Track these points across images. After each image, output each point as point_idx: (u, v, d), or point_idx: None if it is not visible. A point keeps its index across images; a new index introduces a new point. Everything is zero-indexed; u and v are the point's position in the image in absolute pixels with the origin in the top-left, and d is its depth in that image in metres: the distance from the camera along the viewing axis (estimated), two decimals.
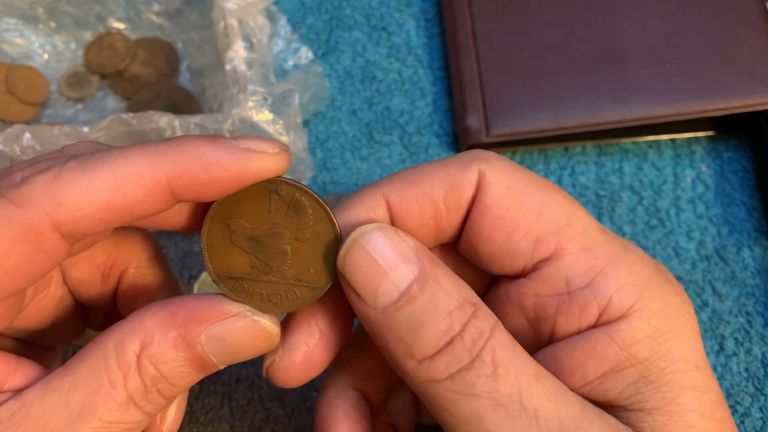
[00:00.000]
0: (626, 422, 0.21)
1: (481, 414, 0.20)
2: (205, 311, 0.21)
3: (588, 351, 0.21)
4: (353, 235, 0.21)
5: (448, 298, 0.21)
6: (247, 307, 0.22)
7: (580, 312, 0.22)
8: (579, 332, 0.22)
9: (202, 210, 0.23)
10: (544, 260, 0.22)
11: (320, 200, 0.22)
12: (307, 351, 0.23)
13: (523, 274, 0.23)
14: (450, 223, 0.23)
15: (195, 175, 0.20)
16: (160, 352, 0.21)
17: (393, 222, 0.23)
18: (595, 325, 0.22)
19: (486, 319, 0.21)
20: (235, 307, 0.21)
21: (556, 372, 0.22)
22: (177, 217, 0.23)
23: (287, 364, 0.23)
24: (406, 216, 0.23)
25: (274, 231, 0.22)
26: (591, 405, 0.21)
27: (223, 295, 0.22)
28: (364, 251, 0.21)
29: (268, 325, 0.22)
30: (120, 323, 0.21)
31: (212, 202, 0.22)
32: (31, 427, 0.20)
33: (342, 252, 0.21)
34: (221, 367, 0.22)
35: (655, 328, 0.21)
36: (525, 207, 0.22)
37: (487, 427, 0.20)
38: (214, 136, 0.20)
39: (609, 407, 0.21)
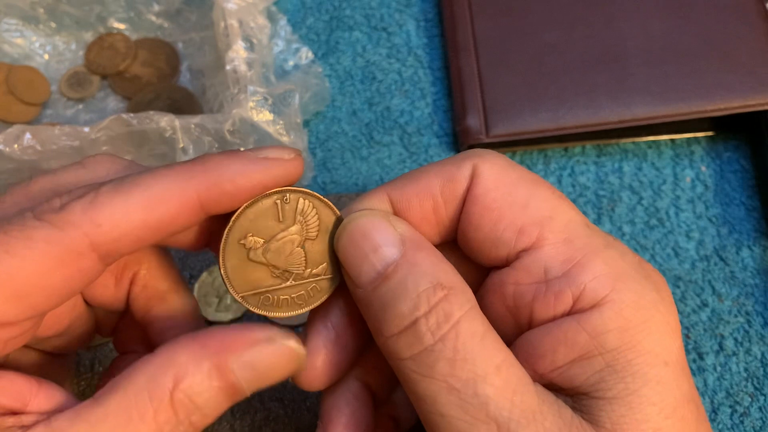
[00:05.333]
0: (587, 410, 0.21)
1: (436, 395, 0.21)
2: (236, 340, 0.21)
3: (559, 337, 0.22)
4: (344, 221, 0.23)
5: (420, 280, 0.21)
6: (275, 330, 0.22)
7: (555, 300, 0.22)
8: (554, 319, 0.23)
9: (209, 229, 0.25)
10: (526, 250, 0.23)
11: (323, 198, 0.24)
12: (326, 354, 0.24)
13: (506, 263, 0.24)
14: (448, 215, 0.24)
15: (222, 187, 0.21)
16: (195, 384, 0.21)
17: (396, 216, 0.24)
18: (569, 313, 0.22)
19: (458, 303, 0.21)
20: (263, 333, 0.22)
21: (530, 356, 0.22)
22: (186, 236, 0.25)
23: (309, 367, 0.24)
24: (407, 210, 0.24)
25: (287, 237, 0.23)
26: (552, 400, 0.21)
27: (251, 318, 0.23)
28: (351, 235, 0.23)
29: (296, 346, 0.22)
30: (150, 357, 0.21)
31: (224, 228, 0.23)
32: None
33: (336, 237, 0.23)
34: (248, 394, 0.22)
35: (627, 319, 0.21)
36: (512, 199, 0.23)
37: (440, 408, 0.21)
38: (233, 151, 0.22)
39: (575, 393, 0.22)
